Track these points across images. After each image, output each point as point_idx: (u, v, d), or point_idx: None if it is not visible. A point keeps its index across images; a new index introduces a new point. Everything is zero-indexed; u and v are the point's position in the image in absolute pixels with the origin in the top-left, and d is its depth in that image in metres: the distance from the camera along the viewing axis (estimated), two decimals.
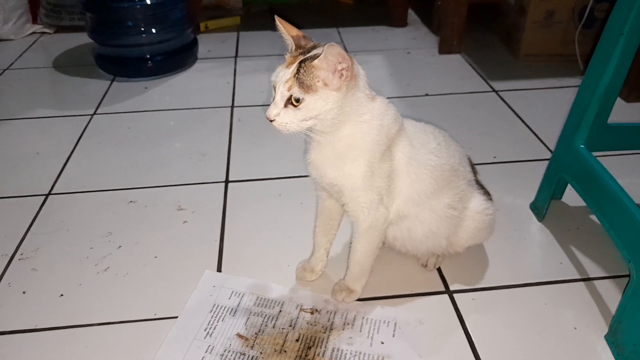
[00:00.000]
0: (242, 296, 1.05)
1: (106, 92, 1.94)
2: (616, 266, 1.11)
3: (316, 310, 1.02)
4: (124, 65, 2.04)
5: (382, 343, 0.95)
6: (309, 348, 0.94)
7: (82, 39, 2.28)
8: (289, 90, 0.82)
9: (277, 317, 1.00)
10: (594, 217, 1.25)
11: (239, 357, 0.92)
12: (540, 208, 1.26)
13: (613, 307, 1.00)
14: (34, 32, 2.50)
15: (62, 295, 1.07)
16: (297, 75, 0.81)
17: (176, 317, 1.01)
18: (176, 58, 2.09)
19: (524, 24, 2.04)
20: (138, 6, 1.94)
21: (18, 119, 1.77)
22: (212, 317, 1.00)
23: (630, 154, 1.46)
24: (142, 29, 1.97)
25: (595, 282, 1.08)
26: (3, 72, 2.13)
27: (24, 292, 1.08)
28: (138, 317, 1.02)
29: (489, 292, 1.07)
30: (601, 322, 0.99)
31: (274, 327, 0.99)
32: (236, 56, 2.25)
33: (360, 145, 0.89)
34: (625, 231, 0.94)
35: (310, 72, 0.81)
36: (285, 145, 1.55)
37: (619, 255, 0.98)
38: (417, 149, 0.95)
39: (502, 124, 1.69)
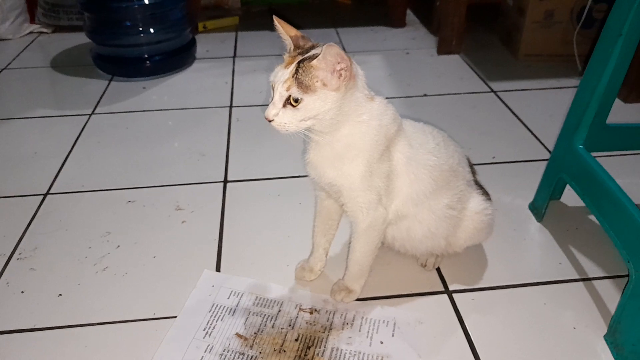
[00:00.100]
0: (241, 296, 1.05)
1: (104, 92, 1.94)
2: (615, 266, 1.11)
3: (315, 310, 1.02)
4: (122, 65, 2.04)
5: (382, 343, 0.95)
6: (308, 348, 0.94)
7: (80, 38, 2.28)
8: (287, 90, 0.82)
9: (276, 317, 1.00)
10: (592, 217, 1.25)
11: (238, 357, 0.92)
12: (539, 208, 1.26)
13: (612, 307, 1.00)
14: (31, 32, 2.50)
15: (60, 294, 1.07)
16: (295, 75, 0.81)
17: (175, 317, 1.01)
18: (175, 58, 2.09)
19: (524, 24, 2.04)
20: (136, 6, 1.94)
21: (16, 118, 1.77)
22: (211, 317, 1.00)
23: (629, 154, 1.46)
24: (141, 29, 1.97)
25: (594, 282, 1.08)
26: (1, 71, 2.13)
27: (22, 292, 1.08)
28: (137, 317, 1.02)
29: (488, 292, 1.07)
30: (600, 322, 0.99)
31: (273, 326, 0.98)
32: (234, 56, 2.24)
33: (359, 146, 0.89)
34: (624, 231, 0.94)
35: (309, 72, 0.81)
36: (283, 145, 1.55)
37: (618, 255, 0.98)
38: (416, 149, 0.95)
39: (501, 125, 1.69)
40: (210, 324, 0.99)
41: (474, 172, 1.10)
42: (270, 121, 0.83)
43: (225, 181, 1.43)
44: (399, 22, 2.53)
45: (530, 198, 1.30)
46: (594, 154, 1.09)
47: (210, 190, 1.39)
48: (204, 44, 2.33)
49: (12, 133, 1.69)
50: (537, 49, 2.08)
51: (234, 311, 1.02)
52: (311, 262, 1.10)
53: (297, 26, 0.89)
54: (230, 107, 1.82)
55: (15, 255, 1.17)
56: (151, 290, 1.08)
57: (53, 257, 1.17)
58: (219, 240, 1.21)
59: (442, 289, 1.08)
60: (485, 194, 1.09)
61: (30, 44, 2.40)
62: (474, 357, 0.93)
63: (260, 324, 0.99)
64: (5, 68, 2.16)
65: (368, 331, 0.98)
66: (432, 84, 1.96)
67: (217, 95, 1.91)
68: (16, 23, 2.44)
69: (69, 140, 1.63)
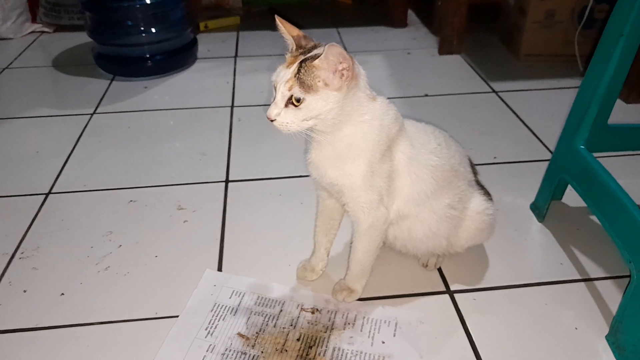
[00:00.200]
0: (243, 295, 1.05)
1: (106, 92, 1.94)
2: (616, 266, 1.11)
3: (317, 309, 1.02)
4: (123, 65, 2.04)
5: (383, 343, 0.95)
6: (310, 347, 0.94)
7: (82, 38, 2.28)
8: (289, 90, 0.82)
9: (278, 317, 1.01)
10: (594, 218, 1.25)
11: (240, 357, 0.92)
12: (540, 208, 1.26)
13: (614, 308, 1.01)
14: (33, 31, 2.50)
15: (62, 294, 1.07)
16: (297, 75, 0.81)
17: (177, 317, 1.01)
18: (176, 58, 2.09)
19: (524, 24, 2.04)
20: (138, 6, 1.94)
21: (18, 118, 1.77)
22: (213, 317, 1.00)
23: (630, 154, 1.46)
24: (142, 29, 1.97)
25: (595, 282, 1.08)
26: (2, 71, 2.13)
27: (24, 291, 1.08)
28: (139, 317, 1.02)
29: (489, 292, 1.07)
30: (602, 322, 0.99)
31: (274, 326, 0.99)
32: (236, 56, 2.25)
33: (361, 145, 0.89)
34: (626, 231, 0.94)
35: (310, 72, 0.81)
36: (285, 145, 1.54)
37: (619, 256, 0.98)
38: (418, 149, 0.95)
39: (502, 125, 1.69)
40: (212, 324, 0.99)
41: (475, 172, 1.10)
42: (272, 121, 0.83)
43: (227, 181, 1.43)
44: (400, 22, 2.53)
45: (532, 198, 1.30)
46: (595, 154, 1.09)
47: (212, 190, 1.39)
48: (205, 43, 2.33)
49: (14, 132, 1.69)
50: (538, 49, 2.08)
51: (236, 311, 1.02)
52: (313, 262, 1.10)
53: (299, 26, 0.89)
54: (232, 106, 1.82)
55: (18, 255, 1.17)
56: (153, 289, 1.08)
57: (55, 256, 1.17)
58: (221, 239, 1.21)
59: (443, 289, 1.08)
60: (487, 194, 1.09)
61: (31, 43, 2.40)
62: (475, 357, 0.93)
63: (262, 324, 0.99)
64: (6, 67, 2.16)
65: (370, 331, 0.98)
66: (433, 84, 1.96)
67: (219, 95, 1.91)
68: (18, 22, 2.44)
69: (71, 140, 1.63)
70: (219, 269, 1.13)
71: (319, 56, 0.81)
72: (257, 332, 0.97)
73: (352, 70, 0.83)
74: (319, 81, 0.82)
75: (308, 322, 0.99)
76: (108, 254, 1.17)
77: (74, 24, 2.49)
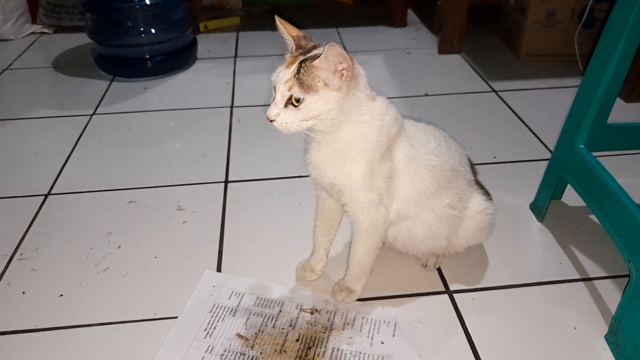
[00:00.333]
0: (242, 296, 1.05)
1: (106, 92, 1.94)
2: (616, 266, 1.11)
3: (316, 310, 1.02)
4: (123, 66, 2.04)
5: (382, 343, 0.95)
6: (309, 348, 0.94)
7: (82, 39, 2.28)
8: (289, 90, 0.82)
9: (277, 317, 1.00)
10: (593, 217, 1.25)
11: (239, 357, 0.92)
12: (540, 208, 1.26)
13: (613, 307, 1.00)
14: (33, 32, 2.50)
15: (61, 295, 1.07)
16: (297, 75, 0.81)
17: (176, 317, 1.01)
18: (176, 58, 2.09)
19: (525, 24, 2.04)
20: (138, 6, 1.94)
21: (17, 119, 1.77)
22: (212, 317, 1.00)
23: (630, 154, 1.46)
24: (142, 29, 1.97)
25: (595, 282, 1.08)
26: (2, 72, 2.13)
27: (23, 292, 1.08)
28: (138, 317, 1.02)
29: (489, 292, 1.07)
30: (601, 322, 0.99)
31: (274, 327, 0.98)
32: (236, 56, 2.25)
33: (361, 146, 0.89)
34: (626, 231, 0.94)
35: (310, 72, 0.81)
36: (284, 145, 1.54)
37: (619, 255, 0.98)
38: (418, 149, 0.95)
39: (502, 124, 1.69)
40: (211, 325, 0.99)
41: (475, 172, 1.09)
42: (271, 121, 0.83)
43: (227, 181, 1.43)
44: (400, 22, 2.53)
45: (531, 198, 1.30)
46: (595, 153, 1.09)
47: (212, 191, 1.39)
48: (205, 44, 2.33)
49: (14, 133, 1.70)
50: (539, 48, 2.08)
51: (235, 311, 1.02)
52: (312, 262, 1.10)
53: (299, 26, 0.89)
54: (232, 107, 1.82)
55: (17, 256, 1.17)
56: (152, 290, 1.08)
57: (54, 257, 1.17)
58: (220, 240, 1.21)
59: (442, 289, 1.08)
60: (486, 193, 1.09)
61: (31, 44, 2.41)
62: (475, 357, 0.93)
63: (261, 324, 0.99)
64: (7, 68, 2.16)
65: (369, 331, 0.98)
66: (433, 84, 1.96)
67: (218, 95, 1.91)
68: (18, 23, 2.44)
69: (71, 141, 1.63)
70: (218, 269, 1.13)
71: (318, 56, 0.80)
72: (256, 333, 0.97)
73: (352, 70, 0.83)
74: (318, 81, 0.81)
75: (307, 323, 0.99)
76: (107, 255, 1.17)
77: (74, 25, 2.49)
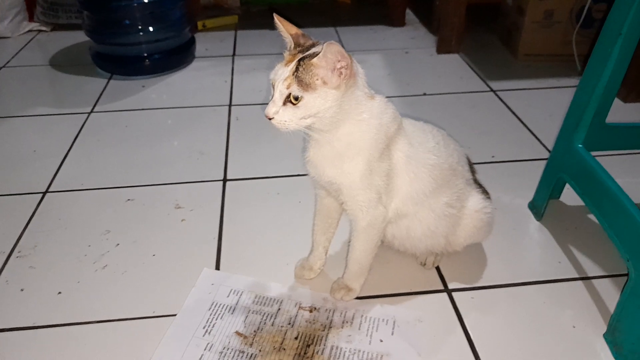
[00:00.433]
0: (241, 294, 1.05)
1: (103, 91, 1.94)
2: (614, 265, 1.11)
3: (315, 308, 1.02)
4: (121, 64, 2.04)
5: (381, 341, 0.95)
6: (308, 346, 0.94)
7: (79, 37, 2.27)
8: (287, 88, 0.82)
9: (275, 315, 1.00)
10: (592, 217, 1.25)
11: (238, 355, 0.92)
12: (538, 207, 1.26)
13: (611, 306, 1.00)
14: (30, 30, 2.49)
15: (60, 293, 1.07)
16: (296, 73, 0.81)
17: (175, 315, 1.01)
18: (174, 57, 2.09)
19: (523, 24, 2.04)
20: (136, 5, 1.93)
21: (15, 117, 1.77)
22: (210, 315, 1.00)
23: (628, 153, 1.46)
24: (140, 28, 1.97)
25: (593, 281, 1.08)
26: (0, 70, 2.13)
27: (21, 290, 1.08)
28: (136, 315, 1.01)
29: (487, 290, 1.07)
30: (600, 321, 0.99)
31: (272, 325, 0.98)
32: (234, 55, 2.24)
33: (359, 144, 0.89)
34: (624, 230, 0.94)
35: (309, 70, 0.81)
36: (283, 144, 1.54)
37: (617, 255, 0.98)
38: (416, 148, 0.95)
39: (501, 124, 1.69)
40: (210, 322, 0.99)
41: (473, 171, 1.10)
42: (270, 119, 0.83)
43: (225, 180, 1.43)
44: (398, 21, 2.53)
45: (530, 197, 1.30)
46: (593, 153, 1.09)
47: (210, 189, 1.39)
48: (204, 42, 2.33)
49: (11, 131, 1.69)
50: (537, 48, 2.08)
51: (234, 309, 1.02)
52: (311, 261, 1.10)
53: (297, 25, 0.89)
54: (230, 105, 1.82)
55: (15, 254, 1.17)
56: (151, 288, 1.08)
57: (52, 255, 1.17)
58: (219, 238, 1.21)
59: (441, 287, 1.08)
60: (485, 192, 1.09)
61: (29, 42, 2.40)
62: (474, 355, 0.93)
63: (260, 322, 0.99)
64: (4, 66, 2.15)
65: (368, 329, 0.98)
66: (432, 83, 1.96)
67: (217, 93, 1.90)
68: (15, 21, 2.43)
69: (68, 139, 1.62)
70: (217, 267, 1.13)
71: (317, 54, 0.80)
72: (254, 331, 0.97)
73: (351, 68, 0.83)
74: (317, 79, 0.81)
75: (306, 321, 0.99)
76: (105, 253, 1.17)
77: (71, 23, 2.48)
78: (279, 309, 1.02)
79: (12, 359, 0.93)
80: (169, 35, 2.03)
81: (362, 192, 0.91)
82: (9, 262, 1.15)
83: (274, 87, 0.84)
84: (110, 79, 2.03)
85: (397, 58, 2.19)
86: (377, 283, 1.07)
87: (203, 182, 1.42)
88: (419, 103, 1.83)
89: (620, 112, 1.69)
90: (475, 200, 1.05)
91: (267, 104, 0.84)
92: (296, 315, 1.00)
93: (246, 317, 1.00)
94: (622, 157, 1.44)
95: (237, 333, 0.97)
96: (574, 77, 1.95)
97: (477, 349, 0.94)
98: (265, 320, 0.99)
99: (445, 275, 1.10)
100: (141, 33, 1.98)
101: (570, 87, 1.89)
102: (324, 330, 0.97)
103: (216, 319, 0.99)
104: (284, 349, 0.93)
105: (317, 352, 0.93)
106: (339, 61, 0.81)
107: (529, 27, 2.04)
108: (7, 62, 2.18)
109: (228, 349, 0.94)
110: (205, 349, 0.93)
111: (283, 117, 0.83)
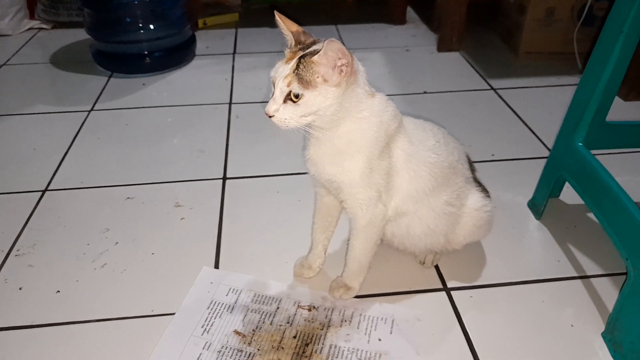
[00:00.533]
0: (240, 293, 1.05)
1: (104, 89, 1.94)
2: (614, 264, 1.11)
3: (314, 307, 1.02)
4: (122, 62, 2.04)
5: (380, 340, 0.95)
6: (307, 345, 0.94)
7: (80, 35, 2.27)
8: (288, 85, 0.81)
9: (274, 314, 1.00)
10: (591, 215, 1.25)
11: (236, 354, 0.92)
12: (538, 206, 1.26)
13: (610, 305, 1.00)
14: (31, 28, 2.49)
15: (58, 291, 1.07)
16: (296, 70, 0.81)
17: (173, 314, 1.01)
18: (174, 55, 2.08)
19: (524, 22, 2.04)
20: (136, 2, 1.93)
21: (15, 114, 1.77)
22: (209, 314, 1.00)
23: (628, 152, 1.46)
24: (141, 26, 1.97)
25: (592, 279, 1.08)
26: (0, 67, 2.13)
27: (20, 288, 1.08)
28: (135, 314, 1.01)
29: (486, 289, 1.07)
30: (598, 319, 0.99)
31: (271, 323, 0.98)
32: (234, 53, 2.24)
33: (360, 142, 0.88)
34: (623, 229, 0.94)
35: (309, 68, 0.81)
36: (283, 142, 1.54)
37: (616, 253, 0.98)
38: (416, 146, 0.95)
39: (501, 122, 1.69)
40: (209, 321, 0.99)
41: (473, 170, 1.09)
42: (270, 117, 0.83)
43: (225, 178, 1.43)
44: (399, 19, 2.52)
45: (530, 196, 1.30)
46: (593, 151, 1.09)
47: (210, 187, 1.39)
48: (204, 40, 2.33)
49: (11, 129, 1.69)
50: (538, 46, 2.08)
51: (233, 308, 1.02)
52: (310, 259, 1.09)
53: (298, 23, 0.89)
54: (230, 103, 1.82)
55: (14, 252, 1.17)
56: (150, 287, 1.08)
57: (51, 253, 1.17)
58: (218, 237, 1.21)
59: (440, 286, 1.08)
60: (485, 191, 1.08)
61: (29, 40, 2.40)
62: (472, 354, 0.93)
63: (259, 321, 0.99)
64: (4, 64, 2.15)
65: (366, 328, 0.97)
66: (432, 82, 1.96)
67: (217, 92, 1.90)
68: (16, 19, 2.43)
69: (68, 137, 1.62)
70: (216, 266, 1.13)
71: (318, 52, 0.80)
72: (253, 330, 0.97)
73: (351, 66, 0.83)
74: (317, 77, 0.81)
75: (305, 320, 0.99)
76: (105, 251, 1.17)
77: (72, 21, 2.48)
78: (278, 308, 1.02)
79: (11, 358, 0.93)
80: (169, 33, 2.03)
81: (362, 190, 0.91)
82: (8, 260, 1.15)
83: (274, 85, 0.84)
84: (110, 77, 2.02)
85: (397, 56, 2.19)
86: (376, 281, 1.07)
87: (203, 180, 1.42)
88: (420, 101, 1.83)
89: (621, 111, 1.68)
90: (475, 198, 1.05)
91: (267, 102, 0.83)
92: (295, 314, 1.00)
93: (245, 315, 1.00)
94: (622, 156, 1.44)
95: (236, 332, 0.97)
96: (575, 75, 1.95)
97: (476, 347, 0.94)
98: (264, 319, 0.99)
99: (444, 274, 1.10)
100: (142, 31, 1.97)
101: (570, 85, 1.89)
102: (322, 329, 0.97)
103: (215, 318, 0.99)
104: (283, 348, 0.93)
105: (316, 351, 0.93)
106: (339, 59, 0.81)
107: (529, 25, 2.04)
108: (8, 60, 2.18)
109: (226, 347, 0.94)
110: (203, 348, 0.93)
111: (283, 114, 0.83)
